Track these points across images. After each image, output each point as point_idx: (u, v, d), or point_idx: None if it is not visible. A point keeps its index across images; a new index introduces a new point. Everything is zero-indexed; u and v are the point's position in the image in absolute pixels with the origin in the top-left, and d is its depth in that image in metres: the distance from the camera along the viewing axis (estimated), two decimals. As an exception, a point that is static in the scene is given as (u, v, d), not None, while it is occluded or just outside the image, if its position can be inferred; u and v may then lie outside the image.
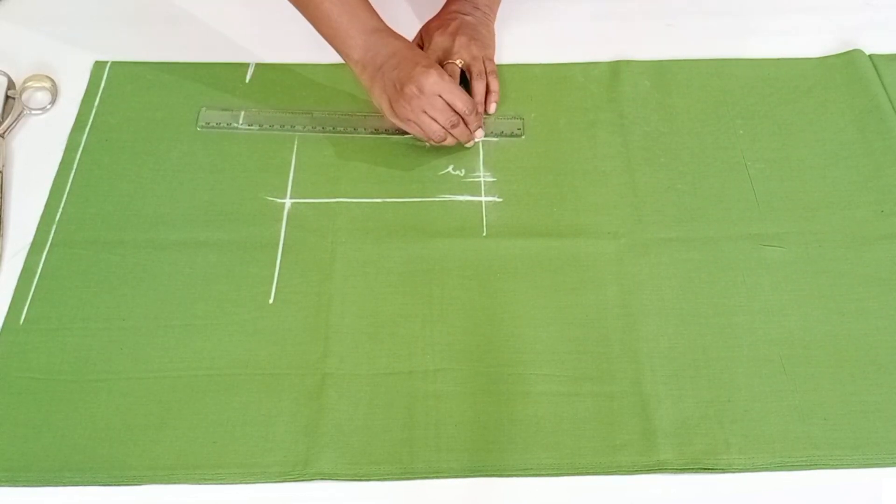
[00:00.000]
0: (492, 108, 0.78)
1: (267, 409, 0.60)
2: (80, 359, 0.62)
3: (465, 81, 0.79)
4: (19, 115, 0.77)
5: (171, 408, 0.60)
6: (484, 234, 0.70)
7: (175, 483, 0.57)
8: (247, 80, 0.81)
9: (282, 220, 0.71)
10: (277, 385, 0.62)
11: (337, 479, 0.58)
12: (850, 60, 0.82)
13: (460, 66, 0.77)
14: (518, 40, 0.85)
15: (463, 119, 0.71)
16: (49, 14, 0.86)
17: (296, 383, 0.62)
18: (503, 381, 0.62)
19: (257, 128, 0.77)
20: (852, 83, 0.80)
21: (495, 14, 0.84)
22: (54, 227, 0.69)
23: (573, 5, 0.89)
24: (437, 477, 0.58)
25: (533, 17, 0.88)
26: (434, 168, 0.75)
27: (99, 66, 0.81)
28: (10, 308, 0.65)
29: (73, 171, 0.73)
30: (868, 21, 0.87)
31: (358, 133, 0.77)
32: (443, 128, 0.70)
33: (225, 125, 0.77)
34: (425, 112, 0.69)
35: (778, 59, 0.83)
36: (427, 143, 0.76)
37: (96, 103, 0.78)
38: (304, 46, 0.79)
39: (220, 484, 0.57)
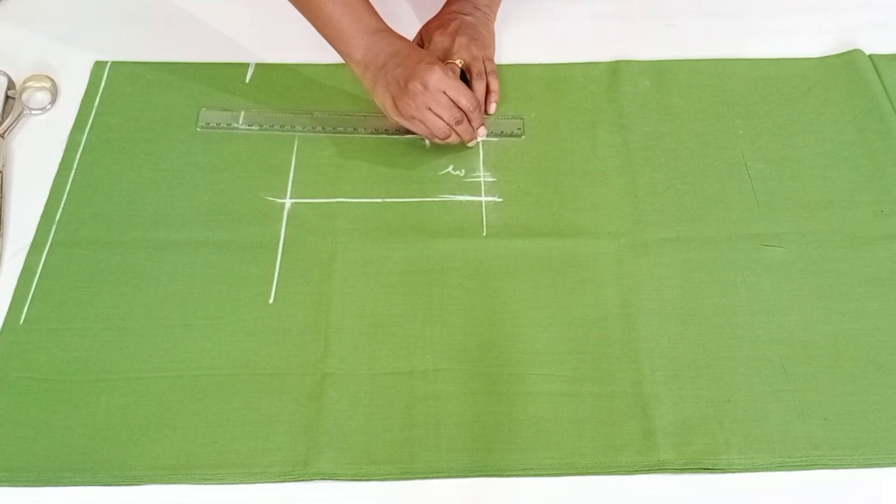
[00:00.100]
0: (492, 108, 0.78)
1: (267, 409, 0.60)
2: (80, 359, 0.62)
3: (465, 81, 0.79)
4: (19, 115, 0.77)
5: (171, 408, 0.60)
6: (484, 234, 0.70)
7: (175, 483, 0.57)
8: (247, 80, 0.81)
9: (282, 220, 0.71)
10: (277, 385, 0.62)
11: (337, 479, 0.58)
12: (850, 60, 0.82)
13: (460, 66, 0.77)
14: (518, 40, 0.85)
15: (467, 116, 0.71)
16: (49, 14, 0.86)
17: (296, 383, 0.62)
18: (503, 381, 0.62)
19: (257, 128, 0.77)
20: (852, 83, 0.80)
21: (495, 14, 0.84)
22: (54, 227, 0.69)
23: (573, 5, 0.89)
24: (437, 477, 0.58)
25: (533, 17, 0.88)
26: (434, 168, 0.75)
27: (99, 66, 0.81)
28: (10, 308, 0.65)
29: (73, 171, 0.73)
30: (868, 21, 0.87)
31: (358, 133, 0.77)
32: (447, 125, 0.70)
33: (225, 125, 0.77)
34: (430, 109, 0.69)
35: (778, 59, 0.83)
36: (428, 143, 0.76)
37: (96, 103, 0.78)
38: (304, 46, 0.79)
39: (220, 484, 0.57)
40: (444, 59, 0.78)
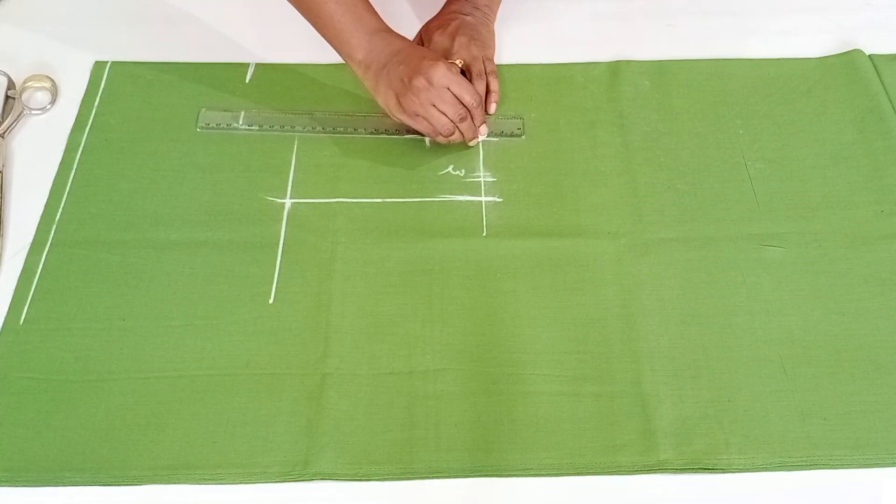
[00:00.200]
0: (492, 108, 0.78)
1: (267, 409, 0.60)
2: (80, 359, 0.62)
3: (465, 81, 0.79)
4: (19, 115, 0.77)
5: (171, 408, 0.60)
6: (484, 234, 0.70)
7: (175, 483, 0.57)
8: (247, 80, 0.81)
9: (282, 220, 0.71)
10: (277, 385, 0.62)
11: (337, 479, 0.58)
12: (850, 60, 0.82)
13: (460, 66, 0.77)
14: (518, 40, 0.85)
15: (470, 113, 0.71)
16: (49, 14, 0.86)
17: (296, 383, 0.62)
18: (503, 381, 0.62)
19: (257, 128, 0.77)
20: (852, 83, 0.80)
21: (495, 14, 0.84)
22: (54, 227, 0.69)
23: (573, 5, 0.89)
24: (437, 477, 0.58)
25: (533, 17, 0.88)
26: (434, 168, 0.75)
27: (99, 66, 0.81)
28: (10, 308, 0.65)
29: (73, 171, 0.73)
30: (868, 21, 0.87)
31: (358, 133, 0.77)
32: (451, 122, 0.70)
33: (225, 126, 0.77)
34: (434, 105, 0.69)
35: (778, 59, 0.83)
36: (428, 143, 0.76)
37: (96, 103, 0.78)
38: (304, 46, 0.79)
39: (220, 484, 0.57)
40: (444, 59, 0.78)
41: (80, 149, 0.75)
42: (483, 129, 0.74)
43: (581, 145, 0.76)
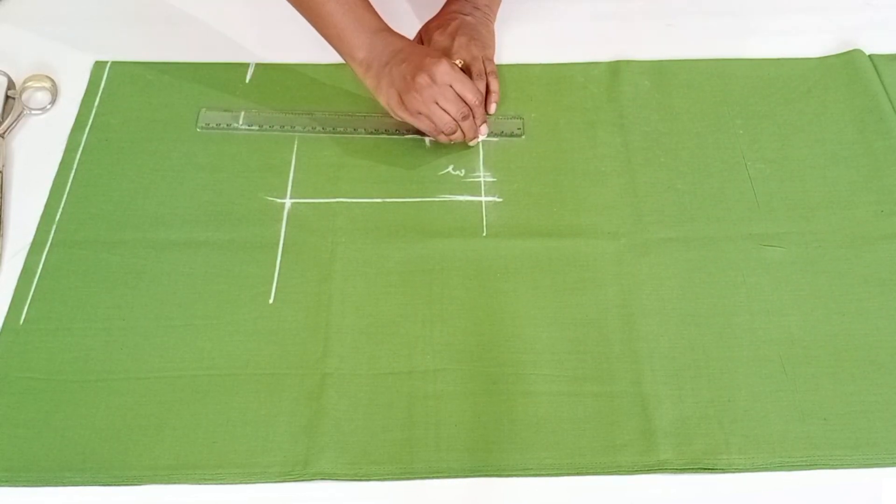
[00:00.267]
0: (492, 108, 0.78)
1: (267, 409, 0.60)
2: (80, 359, 0.62)
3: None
4: (19, 115, 0.77)
5: (171, 408, 0.60)
6: (484, 234, 0.70)
7: (175, 483, 0.57)
8: (247, 80, 0.81)
9: (282, 220, 0.71)
10: (277, 385, 0.62)
11: (337, 479, 0.58)
12: (850, 60, 0.82)
13: (460, 66, 0.77)
14: (518, 40, 0.85)
15: (472, 112, 0.71)
16: (49, 14, 0.86)
17: (296, 383, 0.62)
18: (503, 381, 0.62)
19: (257, 128, 0.77)
20: (852, 83, 0.80)
21: (495, 14, 0.84)
22: (54, 227, 0.69)
23: (573, 5, 0.89)
24: (437, 477, 0.58)
25: (533, 17, 0.88)
26: (434, 168, 0.75)
27: (99, 66, 0.81)
28: (10, 308, 0.65)
29: (73, 171, 0.73)
30: (868, 21, 0.87)
31: (358, 133, 0.77)
32: (453, 120, 0.70)
33: (225, 126, 0.77)
34: (437, 103, 0.69)
35: (778, 59, 0.83)
36: (428, 142, 0.76)
37: (96, 103, 0.78)
38: (304, 46, 0.79)
39: (220, 484, 0.57)
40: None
41: (80, 149, 0.75)
42: (483, 129, 0.74)
43: (581, 145, 0.76)
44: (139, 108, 0.78)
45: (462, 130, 0.72)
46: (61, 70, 0.81)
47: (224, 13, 0.87)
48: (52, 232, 0.69)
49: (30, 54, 0.82)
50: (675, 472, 0.58)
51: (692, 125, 0.78)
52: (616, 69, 0.82)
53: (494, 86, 0.78)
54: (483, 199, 0.73)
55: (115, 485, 0.57)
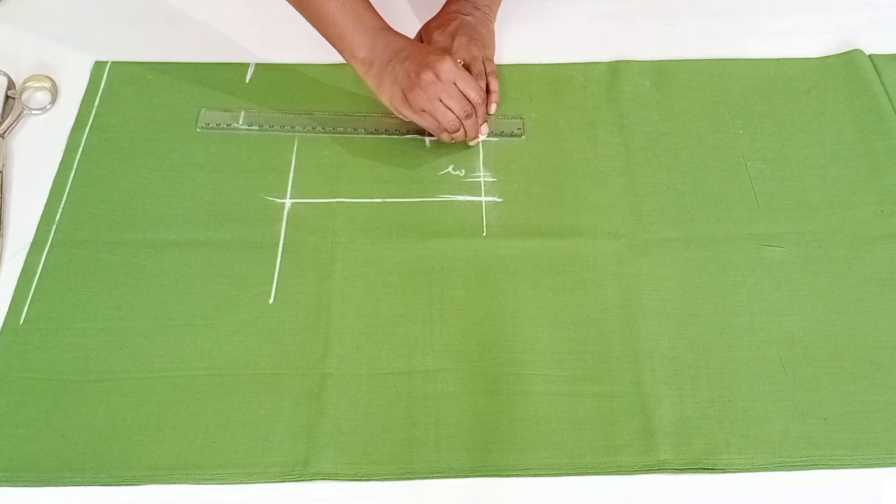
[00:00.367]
0: (492, 108, 0.78)
1: (267, 409, 0.60)
2: (80, 359, 0.62)
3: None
4: (19, 115, 0.77)
5: (171, 408, 0.60)
6: (484, 234, 0.70)
7: (175, 483, 0.57)
8: (247, 80, 0.81)
9: (282, 220, 0.71)
10: (277, 385, 0.62)
11: (337, 479, 0.58)
12: (850, 60, 0.82)
13: (461, 68, 0.77)
14: (518, 40, 0.85)
15: (475, 110, 0.71)
16: (49, 14, 0.86)
17: (296, 383, 0.62)
18: (503, 381, 0.62)
19: (257, 128, 0.77)
20: (852, 83, 0.80)
21: (495, 14, 0.84)
22: (54, 227, 0.69)
23: (573, 5, 0.89)
24: (437, 477, 0.58)
25: (533, 17, 0.88)
26: (434, 168, 0.75)
27: (99, 66, 0.81)
28: (10, 308, 0.65)
29: (73, 171, 0.73)
30: (868, 21, 0.87)
31: (358, 133, 0.77)
32: (456, 117, 0.70)
33: (225, 126, 0.77)
34: (441, 100, 0.69)
35: (778, 59, 0.83)
36: (428, 142, 0.76)
37: (96, 103, 0.78)
38: (304, 46, 0.79)
39: (220, 484, 0.57)
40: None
41: (80, 149, 0.75)
42: (484, 128, 0.74)
43: (581, 145, 0.76)
44: (139, 108, 0.78)
45: (464, 128, 0.72)
46: (61, 70, 0.81)
47: (224, 13, 0.87)
48: (52, 232, 0.69)
49: (30, 54, 0.82)
50: (675, 472, 0.58)
51: (692, 125, 0.78)
52: (616, 69, 0.82)
53: (494, 86, 0.78)
54: (483, 199, 0.73)
55: (115, 485, 0.57)
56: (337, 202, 0.72)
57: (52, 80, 0.79)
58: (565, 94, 0.80)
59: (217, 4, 0.88)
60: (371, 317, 0.65)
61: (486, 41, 0.81)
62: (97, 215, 0.70)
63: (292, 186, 0.73)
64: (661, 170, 0.75)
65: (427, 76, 0.68)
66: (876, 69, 0.81)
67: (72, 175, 0.73)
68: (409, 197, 0.73)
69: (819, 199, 0.72)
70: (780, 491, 0.58)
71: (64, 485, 0.57)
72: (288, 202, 0.72)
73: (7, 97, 0.78)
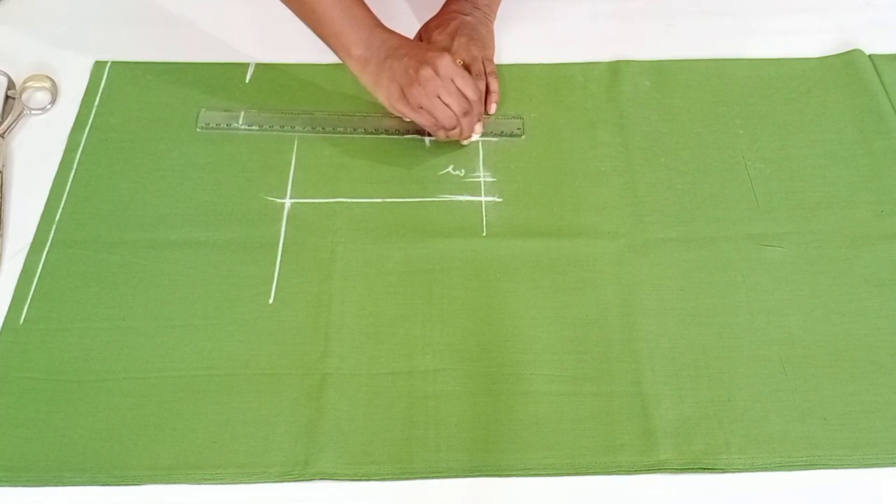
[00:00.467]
0: (492, 108, 0.78)
1: (267, 409, 0.60)
2: (80, 359, 0.62)
3: (465, 81, 0.79)
4: (19, 115, 0.77)
5: (171, 408, 0.60)
6: (484, 234, 0.70)
7: (175, 483, 0.57)
8: (247, 80, 0.81)
9: (282, 220, 0.71)
10: (277, 385, 0.62)
11: (337, 479, 0.58)
12: (850, 60, 0.82)
13: (459, 66, 0.77)
14: (518, 40, 0.85)
15: (471, 108, 0.71)
16: (49, 14, 0.86)
17: (296, 383, 0.62)
18: (503, 381, 0.62)
19: (257, 128, 0.77)
20: (852, 83, 0.80)
21: (495, 14, 0.84)
22: (54, 227, 0.69)
23: (573, 5, 0.89)
24: (437, 477, 0.58)
25: (533, 17, 0.88)
26: (434, 168, 0.75)
27: (99, 66, 0.81)
28: (10, 308, 0.65)
29: (73, 171, 0.73)
30: (868, 21, 0.87)
31: (358, 133, 0.77)
32: (454, 115, 0.70)
33: (225, 125, 0.77)
34: (439, 97, 0.69)
35: (778, 59, 0.83)
36: (428, 142, 0.76)
37: (96, 103, 0.78)
38: (304, 46, 0.79)
39: (220, 484, 0.57)
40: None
41: (80, 149, 0.75)
42: (478, 127, 0.74)
43: (581, 145, 0.76)
44: (139, 108, 0.78)
45: (461, 126, 0.72)
46: (61, 70, 0.81)
47: (224, 13, 0.87)
48: (52, 232, 0.69)
49: (30, 54, 0.82)
50: (674, 472, 0.58)
51: (692, 125, 0.78)
52: (616, 69, 0.82)
53: (494, 86, 0.78)
54: (483, 199, 0.73)
55: (115, 485, 0.57)
56: (337, 202, 0.72)
57: (52, 80, 0.79)
58: (565, 94, 0.80)
59: (217, 4, 0.88)
60: (371, 317, 0.65)
61: (485, 41, 0.81)
62: (97, 215, 0.70)
63: (292, 186, 0.73)
64: (661, 170, 0.75)
65: (426, 73, 0.68)
66: (876, 69, 0.81)
67: (72, 175, 0.73)
68: (409, 197, 0.73)
69: (819, 199, 0.72)
70: (780, 491, 0.58)
71: (64, 485, 0.57)
72: (288, 202, 0.72)
73: (7, 97, 0.78)
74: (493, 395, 0.61)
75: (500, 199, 0.73)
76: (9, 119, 0.76)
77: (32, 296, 0.65)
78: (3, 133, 0.75)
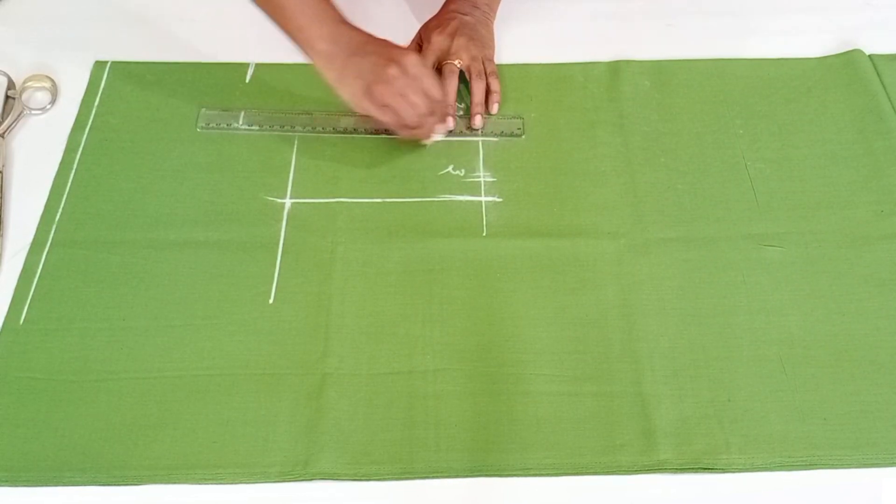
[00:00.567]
0: (494, 108, 0.78)
1: (267, 409, 0.60)
2: (80, 359, 0.62)
3: (464, 82, 0.79)
4: (19, 115, 0.77)
5: (171, 408, 0.60)
6: (484, 234, 0.70)
7: (175, 483, 0.57)
8: (247, 80, 0.81)
9: (282, 220, 0.71)
10: (277, 385, 0.62)
11: (337, 479, 0.58)
12: (850, 60, 0.82)
13: (459, 66, 0.77)
14: (518, 40, 0.85)
15: (436, 108, 0.71)
16: (49, 14, 0.86)
17: (296, 383, 0.62)
18: (503, 381, 0.62)
19: (257, 128, 0.77)
20: (852, 83, 0.80)
21: (495, 13, 0.84)
22: (54, 226, 0.69)
23: (573, 5, 0.89)
24: (437, 477, 0.58)
25: (533, 17, 0.88)
26: (434, 168, 0.75)
27: (99, 66, 0.81)
28: (10, 308, 0.65)
29: (73, 171, 0.73)
30: (868, 21, 0.87)
31: (358, 133, 0.77)
32: (417, 114, 0.70)
33: (225, 125, 0.77)
34: (404, 95, 0.68)
35: (778, 59, 0.83)
36: (428, 142, 0.76)
37: (96, 103, 0.78)
38: (304, 46, 0.79)
39: (220, 484, 0.57)
40: (443, 59, 0.78)
41: (80, 149, 0.75)
42: (441, 128, 0.74)
43: (581, 145, 0.76)
44: (139, 108, 0.78)
45: (425, 126, 0.71)
46: (61, 70, 0.81)
47: (224, 13, 0.87)
48: (52, 232, 0.69)
49: (30, 54, 0.82)
50: (674, 472, 0.58)
51: (692, 125, 0.78)
52: (616, 69, 0.82)
53: (495, 86, 0.78)
54: (483, 199, 0.73)
55: (115, 485, 0.57)
56: (337, 202, 0.72)
57: (52, 80, 0.79)
58: (565, 94, 0.80)
59: (217, 4, 0.88)
60: (371, 317, 0.65)
61: (485, 41, 0.81)
62: (97, 215, 0.70)
63: (292, 186, 0.73)
64: (661, 170, 0.75)
65: (393, 71, 0.67)
66: (876, 69, 0.81)
67: (72, 175, 0.73)
68: (409, 197, 0.73)
69: (819, 199, 0.72)
70: (780, 491, 0.58)
71: (64, 485, 0.57)
72: (288, 202, 0.72)
73: (7, 97, 0.78)
74: (493, 395, 0.61)
75: (500, 199, 0.73)
76: (9, 119, 0.76)
77: (32, 296, 0.65)
78: (3, 133, 0.75)
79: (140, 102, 0.78)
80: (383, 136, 0.76)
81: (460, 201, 0.73)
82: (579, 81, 0.81)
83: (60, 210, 0.71)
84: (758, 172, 0.74)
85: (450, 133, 0.76)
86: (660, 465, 0.58)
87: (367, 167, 0.75)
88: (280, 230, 0.70)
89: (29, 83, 0.79)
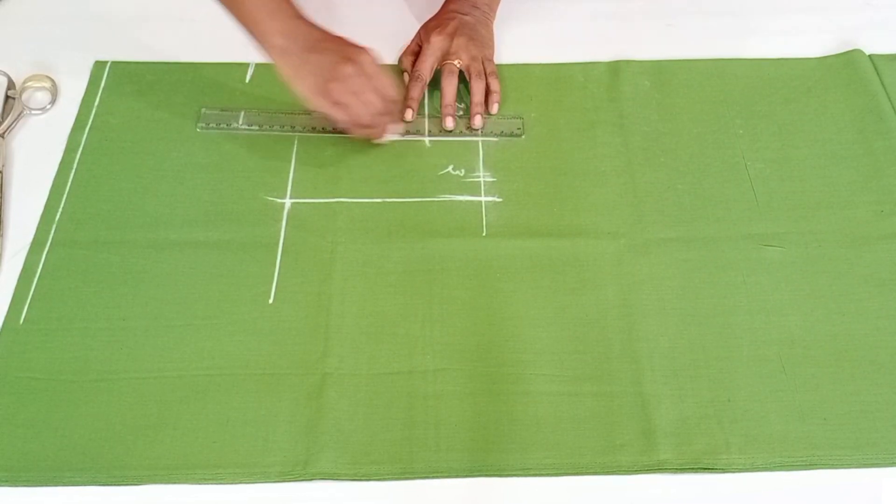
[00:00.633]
0: (494, 108, 0.78)
1: (267, 409, 0.60)
2: (80, 359, 0.62)
3: (464, 82, 0.79)
4: (19, 115, 0.77)
5: (171, 408, 0.60)
6: (484, 234, 0.70)
7: (175, 483, 0.57)
8: (247, 80, 0.81)
9: (282, 220, 0.71)
10: (277, 385, 0.62)
11: (337, 479, 0.58)
12: (850, 60, 0.82)
13: (459, 66, 0.77)
14: (518, 40, 0.85)
15: (389, 108, 0.71)
16: (49, 14, 0.86)
17: (296, 383, 0.62)
18: (503, 381, 0.62)
19: (257, 128, 0.77)
20: (852, 83, 0.80)
21: (495, 13, 0.84)
22: (54, 226, 0.69)
23: (573, 5, 0.89)
24: (437, 477, 0.58)
25: (533, 17, 0.88)
26: (434, 168, 0.75)
27: (99, 66, 0.81)
28: (10, 308, 0.65)
29: (73, 171, 0.73)
30: (868, 21, 0.87)
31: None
32: (370, 113, 0.70)
33: (225, 125, 0.77)
34: (358, 94, 0.68)
35: (778, 59, 0.83)
36: (429, 143, 0.76)
37: (96, 103, 0.78)
38: (304, 46, 0.79)
39: (220, 484, 0.57)
40: (443, 59, 0.78)
41: (80, 149, 0.75)
42: (394, 128, 0.74)
43: (581, 145, 0.76)
44: (139, 108, 0.78)
45: (379, 125, 0.71)
46: (61, 70, 0.81)
47: (224, 13, 0.87)
48: (52, 232, 0.69)
49: (30, 54, 0.82)
50: (674, 472, 0.58)
51: (692, 125, 0.78)
52: (616, 69, 0.82)
53: (495, 86, 0.78)
54: (483, 199, 0.73)
55: (115, 485, 0.57)
56: (337, 202, 0.72)
57: (52, 80, 0.79)
58: (565, 94, 0.80)
59: (217, 4, 0.87)
60: (371, 317, 0.65)
61: (485, 41, 0.81)
62: (97, 215, 0.70)
63: (292, 186, 0.73)
64: (661, 170, 0.75)
65: (349, 69, 0.67)
66: (876, 69, 0.81)
67: (72, 175, 0.73)
68: (409, 197, 0.73)
69: (819, 199, 0.72)
70: (780, 491, 0.58)
71: (64, 485, 0.57)
72: (288, 202, 0.72)
73: (7, 97, 0.78)
74: (493, 395, 0.61)
75: (500, 199, 0.73)
76: (9, 119, 0.76)
77: (32, 296, 0.65)
78: (3, 133, 0.75)
79: (140, 102, 0.78)
80: (337, 135, 0.76)
81: (460, 201, 0.73)
82: (579, 81, 0.81)
83: (60, 210, 0.71)
84: (758, 172, 0.74)
85: (450, 133, 0.76)
86: (660, 465, 0.58)
87: (367, 167, 0.75)
88: (280, 230, 0.70)
89: (29, 83, 0.79)
